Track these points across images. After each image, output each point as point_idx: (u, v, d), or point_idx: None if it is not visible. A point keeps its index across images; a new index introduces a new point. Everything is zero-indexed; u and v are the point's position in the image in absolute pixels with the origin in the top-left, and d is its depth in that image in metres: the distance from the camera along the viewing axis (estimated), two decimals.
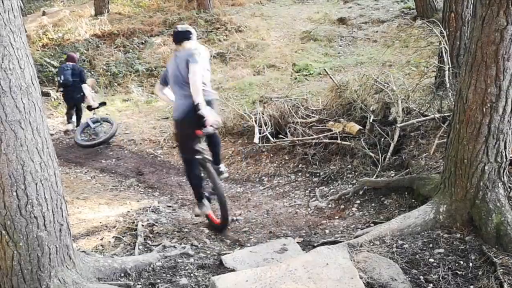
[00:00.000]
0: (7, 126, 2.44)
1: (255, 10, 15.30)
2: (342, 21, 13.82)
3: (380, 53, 11.44)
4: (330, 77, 6.97)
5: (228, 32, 13.30)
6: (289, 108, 7.00)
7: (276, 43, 12.78)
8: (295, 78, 10.44)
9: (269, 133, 6.68)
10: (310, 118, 6.75)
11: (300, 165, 6.04)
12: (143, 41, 13.02)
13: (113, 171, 6.97)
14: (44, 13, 17.20)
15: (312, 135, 6.21)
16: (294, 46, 12.48)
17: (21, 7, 15.79)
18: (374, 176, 4.98)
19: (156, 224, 4.47)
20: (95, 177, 6.75)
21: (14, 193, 2.52)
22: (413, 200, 4.22)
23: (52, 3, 19.50)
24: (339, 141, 5.76)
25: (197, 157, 4.33)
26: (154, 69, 11.68)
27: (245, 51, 12.31)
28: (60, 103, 10.20)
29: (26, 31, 13.69)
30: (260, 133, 6.73)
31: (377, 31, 13.02)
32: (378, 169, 5.08)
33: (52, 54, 12.14)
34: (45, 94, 10.68)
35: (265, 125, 6.87)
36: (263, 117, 7.06)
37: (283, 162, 6.30)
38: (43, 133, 2.64)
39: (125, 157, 7.63)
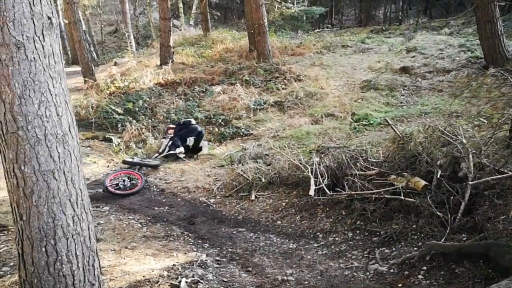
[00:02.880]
0: (39, 177, 2.34)
1: (314, 59, 15.33)
2: (404, 70, 13.46)
3: (446, 103, 10.91)
4: (392, 128, 6.57)
5: (287, 81, 13.33)
6: (347, 159, 6.63)
7: (335, 92, 12.59)
8: (354, 128, 10.11)
9: (325, 185, 6.31)
10: (370, 170, 6.33)
11: (358, 222, 5.57)
12: (204, 90, 13.32)
13: (164, 219, 6.86)
14: (115, 64, 18.37)
15: (371, 189, 5.77)
16: (353, 95, 12.22)
17: (94, 58, 16.97)
18: (443, 239, 4.43)
19: (202, 281, 4.21)
20: (147, 224, 6.66)
21: (43, 249, 2.38)
22: (490, 271, 3.67)
23: (123, 55, 20.79)
24: (402, 197, 5.26)
25: None
26: (212, 116, 11.80)
27: (303, 100, 12.21)
28: (121, 149, 10.48)
29: (96, 80, 14.61)
30: (316, 185, 6.39)
31: (442, 81, 12.52)
32: (447, 231, 4.52)
33: (118, 101, 12.66)
34: (108, 140, 11.07)
35: (322, 176, 6.52)
36: (319, 168, 6.74)
37: (339, 218, 5.87)
38: (78, 184, 2.52)
39: (178, 205, 7.53)
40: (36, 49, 2.31)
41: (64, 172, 2.44)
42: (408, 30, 22.36)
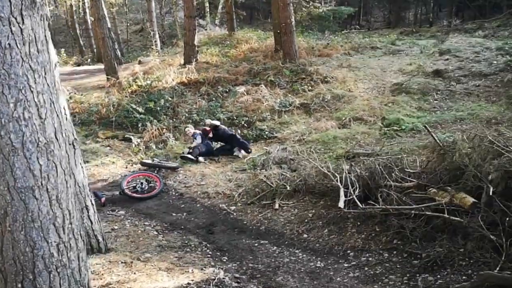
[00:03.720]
0: (15, 195, 1.82)
1: (342, 61, 14.78)
2: (438, 73, 12.82)
3: (483, 108, 10.26)
4: (433, 136, 5.96)
5: (314, 83, 12.82)
6: (380, 169, 6.05)
7: (364, 95, 12.02)
8: (385, 133, 9.56)
9: (356, 196, 5.76)
10: (407, 182, 5.75)
11: (395, 241, 4.97)
12: (227, 90, 12.93)
13: (182, 227, 6.46)
14: (140, 62, 18.16)
15: (410, 204, 5.18)
16: (383, 98, 11.64)
17: (117, 56, 16.70)
18: (497, 268, 3.83)
19: None
20: (163, 232, 6.29)
21: (19, 285, 1.87)
22: None
23: (148, 53, 20.57)
24: (446, 215, 4.66)
25: None
26: (235, 118, 11.38)
27: (330, 103, 11.69)
28: (140, 149, 10.12)
29: (118, 78, 14.32)
30: (346, 196, 5.85)
31: (478, 85, 11.85)
32: (502, 258, 3.92)
33: (139, 100, 12.35)
34: (128, 140, 10.76)
35: (352, 186, 5.99)
36: (349, 176, 6.20)
37: (373, 234, 5.29)
38: (66, 203, 2.00)
39: (197, 211, 7.11)
40: (12, 33, 1.80)
41: (47, 190, 1.92)
42: (439, 32, 21.57)
